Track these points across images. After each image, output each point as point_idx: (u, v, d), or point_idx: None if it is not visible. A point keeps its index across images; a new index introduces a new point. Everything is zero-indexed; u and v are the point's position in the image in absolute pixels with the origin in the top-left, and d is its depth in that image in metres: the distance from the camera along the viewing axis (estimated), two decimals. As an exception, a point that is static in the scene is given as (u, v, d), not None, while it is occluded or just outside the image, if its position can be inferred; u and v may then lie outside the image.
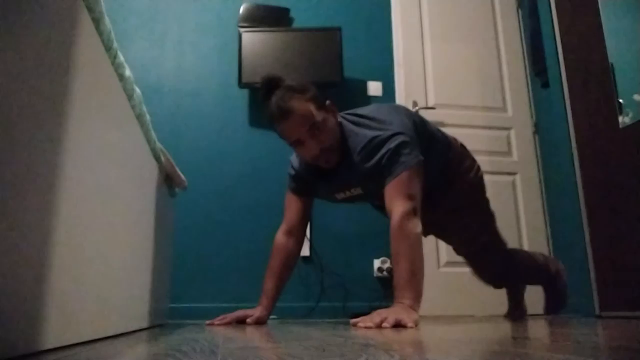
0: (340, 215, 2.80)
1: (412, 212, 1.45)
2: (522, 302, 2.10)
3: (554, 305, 2.05)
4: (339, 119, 1.63)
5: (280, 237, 1.79)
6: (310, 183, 1.75)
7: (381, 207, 1.55)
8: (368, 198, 1.76)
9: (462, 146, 1.89)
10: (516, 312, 2.09)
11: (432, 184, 1.71)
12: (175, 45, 3.06)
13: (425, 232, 2.05)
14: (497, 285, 2.06)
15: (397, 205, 1.46)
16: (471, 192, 1.84)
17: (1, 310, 0.56)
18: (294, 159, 1.79)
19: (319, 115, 1.55)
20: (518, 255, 2.00)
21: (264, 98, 1.59)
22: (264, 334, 1.14)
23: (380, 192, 1.53)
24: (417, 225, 1.45)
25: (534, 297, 2.18)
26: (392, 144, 1.50)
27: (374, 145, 1.53)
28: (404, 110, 1.72)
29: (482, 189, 1.88)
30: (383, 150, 1.50)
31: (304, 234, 1.85)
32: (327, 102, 1.62)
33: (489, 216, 1.90)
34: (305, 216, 1.81)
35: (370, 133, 1.55)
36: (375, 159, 1.52)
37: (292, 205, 1.79)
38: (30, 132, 0.62)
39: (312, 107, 1.54)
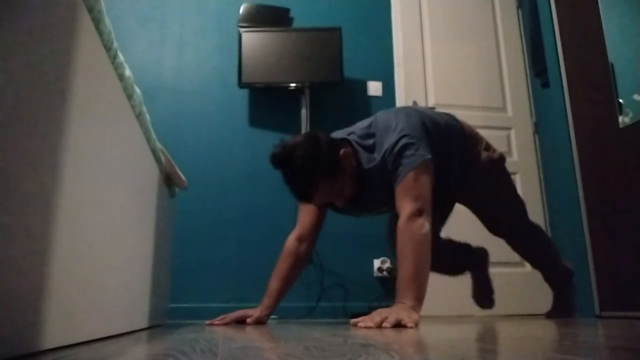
0: (340, 215, 2.80)
1: (418, 213, 1.47)
2: (487, 280, 2.09)
3: (560, 312, 2.02)
4: (353, 154, 1.61)
5: (291, 241, 1.80)
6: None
7: None
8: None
9: (476, 131, 1.91)
10: (483, 291, 2.08)
11: (456, 172, 1.75)
12: (175, 45, 3.06)
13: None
14: (455, 272, 2.09)
15: (403, 207, 1.49)
16: (492, 169, 1.86)
17: (1, 310, 0.56)
18: None
19: (337, 183, 1.56)
20: (541, 231, 2.07)
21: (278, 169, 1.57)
22: (264, 334, 1.14)
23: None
24: (423, 226, 1.46)
25: (535, 296, 2.18)
26: (395, 149, 1.53)
27: (381, 161, 1.56)
28: (411, 111, 1.72)
29: (502, 163, 1.91)
30: (389, 159, 1.54)
31: (315, 241, 1.85)
32: (342, 151, 1.56)
33: (514, 186, 1.99)
34: (318, 224, 1.82)
35: (379, 155, 1.57)
36: (386, 171, 1.56)
37: (306, 212, 1.81)
38: (30, 132, 0.62)
39: (328, 183, 1.54)
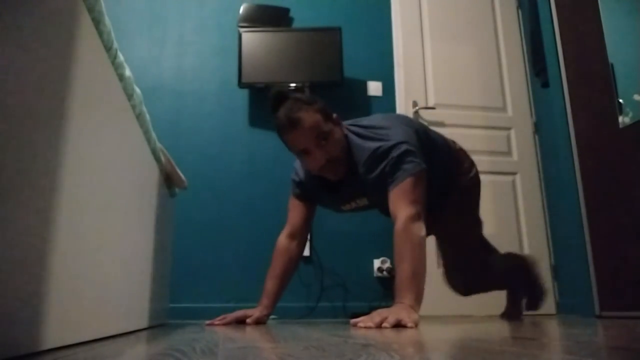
0: (340, 215, 2.80)
1: (416, 216, 1.47)
2: (519, 302, 2.10)
3: (533, 301, 2.01)
4: (344, 132, 1.65)
5: (282, 239, 1.81)
6: (315, 191, 1.78)
7: (386, 213, 1.58)
8: (372, 208, 1.80)
9: (461, 149, 1.92)
10: (513, 311, 2.08)
11: (436, 187, 1.73)
12: (175, 45, 3.06)
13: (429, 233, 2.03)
14: (465, 293, 2.00)
15: (401, 210, 1.48)
16: (468, 192, 1.88)
17: (1, 310, 0.56)
18: (298, 166, 1.81)
19: (326, 126, 1.57)
20: (494, 267, 1.96)
21: (273, 110, 1.63)
22: (264, 334, 1.14)
23: (385, 201, 1.55)
24: (421, 229, 1.47)
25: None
26: (395, 152, 1.52)
27: (378, 155, 1.54)
28: (406, 119, 1.75)
29: (478, 189, 1.91)
30: (386, 160, 1.53)
31: (307, 238, 1.87)
32: (334, 115, 1.64)
33: (478, 219, 1.93)
34: (308, 220, 1.83)
35: (374, 144, 1.56)
36: (379, 168, 1.54)
37: (295, 209, 1.81)
38: (30, 131, 0.62)
39: (319, 118, 1.57)
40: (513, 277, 1.99)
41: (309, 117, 1.55)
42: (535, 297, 2.03)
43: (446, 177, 1.81)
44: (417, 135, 1.64)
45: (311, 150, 1.57)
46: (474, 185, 1.90)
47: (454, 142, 1.91)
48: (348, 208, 1.80)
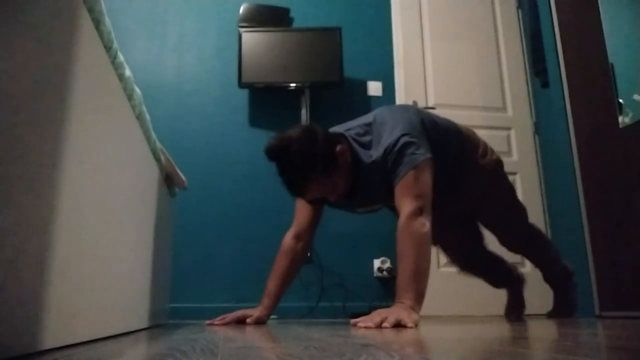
0: (340, 215, 2.79)
1: (418, 212, 1.46)
2: (521, 299, 2.10)
3: (561, 311, 2.01)
4: (349, 149, 1.61)
5: (288, 239, 1.80)
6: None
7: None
8: (388, 207, 1.81)
9: (474, 134, 1.91)
10: (515, 309, 2.08)
11: (451, 174, 1.74)
12: (175, 45, 3.06)
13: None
14: (498, 284, 2.07)
15: (404, 205, 1.48)
16: (491, 174, 1.86)
17: (1, 311, 0.56)
18: None
19: (331, 179, 1.56)
20: (542, 233, 2.06)
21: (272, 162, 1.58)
22: (264, 334, 1.14)
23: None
24: (423, 225, 1.45)
25: (535, 297, 2.18)
26: (395, 148, 1.51)
27: (382, 159, 1.55)
28: (411, 109, 1.73)
29: (501, 168, 1.90)
30: (389, 158, 1.53)
31: (312, 239, 1.87)
32: (338, 148, 1.56)
33: (514, 191, 1.99)
34: (315, 222, 1.83)
35: (377, 153, 1.56)
36: (385, 169, 1.55)
37: (303, 210, 1.81)
38: (30, 132, 0.62)
39: (324, 178, 1.54)
40: (557, 262, 2.02)
41: (314, 184, 1.54)
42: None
43: (460, 162, 1.79)
44: (423, 124, 1.63)
45: (323, 197, 1.63)
46: (495, 166, 1.86)
47: (466, 129, 1.89)
48: (362, 210, 1.82)
